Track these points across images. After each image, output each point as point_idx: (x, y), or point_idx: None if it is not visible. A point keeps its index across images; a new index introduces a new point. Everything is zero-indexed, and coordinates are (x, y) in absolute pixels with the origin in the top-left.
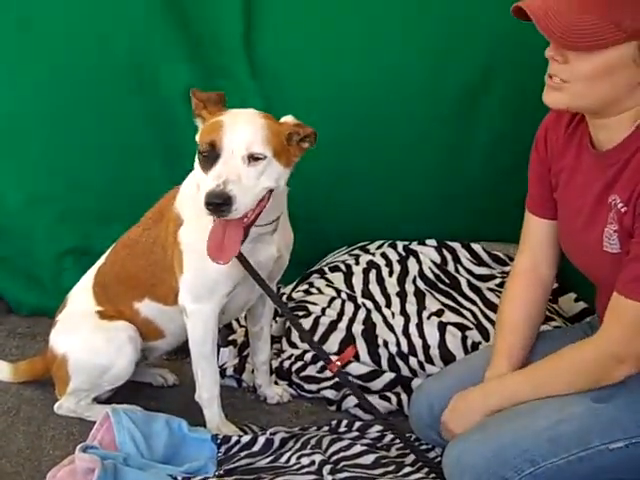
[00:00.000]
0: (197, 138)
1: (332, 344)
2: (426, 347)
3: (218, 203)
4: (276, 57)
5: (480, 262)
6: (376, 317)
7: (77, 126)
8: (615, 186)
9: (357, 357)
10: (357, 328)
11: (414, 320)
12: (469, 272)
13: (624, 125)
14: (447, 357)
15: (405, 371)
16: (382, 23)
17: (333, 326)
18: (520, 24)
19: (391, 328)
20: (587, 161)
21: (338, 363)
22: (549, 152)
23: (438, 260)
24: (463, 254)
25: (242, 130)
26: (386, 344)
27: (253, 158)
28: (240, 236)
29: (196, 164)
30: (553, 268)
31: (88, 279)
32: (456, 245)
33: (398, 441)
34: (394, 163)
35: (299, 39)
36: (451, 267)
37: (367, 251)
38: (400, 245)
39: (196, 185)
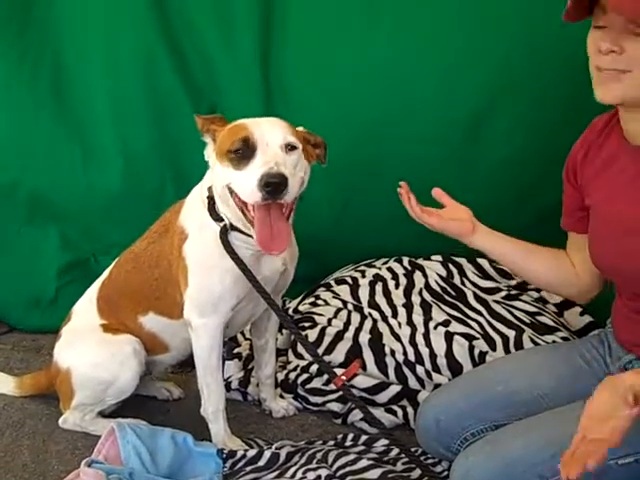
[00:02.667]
0: (213, 147)
1: (339, 354)
2: (433, 356)
3: (278, 182)
4: (290, 78)
5: (486, 276)
6: (382, 327)
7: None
8: None
9: (364, 367)
10: (364, 337)
11: (421, 330)
12: (475, 285)
13: None
14: (454, 366)
15: (412, 380)
16: (393, 46)
17: (339, 336)
18: (528, 48)
19: (398, 338)
20: (624, 160)
21: (343, 377)
22: (578, 172)
23: (444, 273)
24: (469, 268)
25: (273, 124)
26: (393, 353)
27: (290, 147)
28: (286, 224)
29: (219, 169)
30: (584, 286)
31: (92, 292)
32: (462, 260)
33: (404, 455)
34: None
35: (312, 62)
36: (457, 280)
37: (373, 266)
38: (406, 260)
39: (222, 188)
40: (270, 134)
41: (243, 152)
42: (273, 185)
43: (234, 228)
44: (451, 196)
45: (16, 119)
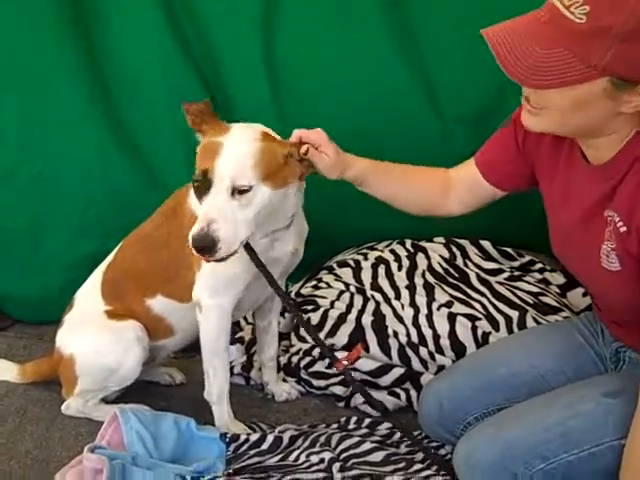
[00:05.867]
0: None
1: (342, 336)
2: (436, 337)
3: (202, 247)
4: (295, 73)
5: (489, 257)
6: (385, 309)
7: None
8: (611, 201)
9: (367, 349)
10: (367, 319)
11: (424, 311)
12: (478, 267)
13: (613, 144)
14: (457, 347)
15: (415, 361)
16: (399, 43)
17: (342, 318)
18: None
19: (401, 319)
20: (579, 171)
21: (345, 362)
22: (528, 146)
23: (447, 255)
24: (472, 250)
25: (230, 159)
26: (396, 335)
27: (238, 191)
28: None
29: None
30: (457, 210)
31: (96, 278)
32: (464, 242)
33: (407, 438)
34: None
35: (317, 56)
36: (460, 262)
37: (376, 249)
38: (408, 242)
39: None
40: (225, 171)
41: (201, 185)
42: (198, 249)
43: None
44: None
45: (22, 91)
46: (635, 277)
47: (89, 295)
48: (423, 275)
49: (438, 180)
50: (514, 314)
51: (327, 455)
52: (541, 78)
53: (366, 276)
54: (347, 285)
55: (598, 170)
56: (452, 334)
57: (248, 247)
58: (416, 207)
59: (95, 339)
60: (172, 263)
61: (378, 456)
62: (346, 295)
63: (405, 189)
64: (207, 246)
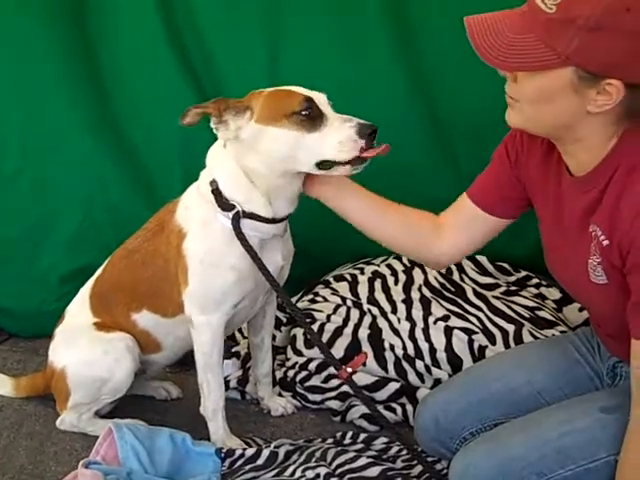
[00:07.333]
0: (249, 117)
1: (338, 350)
2: (433, 351)
3: (376, 127)
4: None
5: (485, 272)
6: (382, 322)
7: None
8: (593, 215)
9: (363, 363)
10: (363, 333)
11: (420, 325)
12: (474, 281)
13: (590, 153)
14: (454, 360)
15: (412, 375)
16: (402, 52)
17: (339, 332)
18: None
19: (397, 333)
20: (566, 186)
21: (349, 369)
22: (519, 165)
23: (443, 270)
24: (468, 264)
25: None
26: (392, 348)
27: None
28: None
29: (279, 133)
30: (452, 252)
31: (85, 291)
32: None
33: (404, 453)
34: (402, 187)
35: (320, 75)
36: (456, 276)
37: (372, 264)
38: (405, 257)
39: (284, 154)
40: (320, 94)
41: (312, 112)
42: (373, 129)
43: (246, 215)
44: None
45: (23, 102)
46: (623, 289)
47: (79, 308)
48: (419, 289)
49: (429, 218)
50: (510, 328)
51: (323, 470)
52: (508, 60)
53: (363, 290)
54: (344, 299)
55: (580, 182)
56: (448, 347)
57: (251, 250)
58: (404, 242)
59: (85, 351)
60: (156, 279)
61: (374, 471)
62: (343, 309)
63: (391, 219)
64: (376, 129)
